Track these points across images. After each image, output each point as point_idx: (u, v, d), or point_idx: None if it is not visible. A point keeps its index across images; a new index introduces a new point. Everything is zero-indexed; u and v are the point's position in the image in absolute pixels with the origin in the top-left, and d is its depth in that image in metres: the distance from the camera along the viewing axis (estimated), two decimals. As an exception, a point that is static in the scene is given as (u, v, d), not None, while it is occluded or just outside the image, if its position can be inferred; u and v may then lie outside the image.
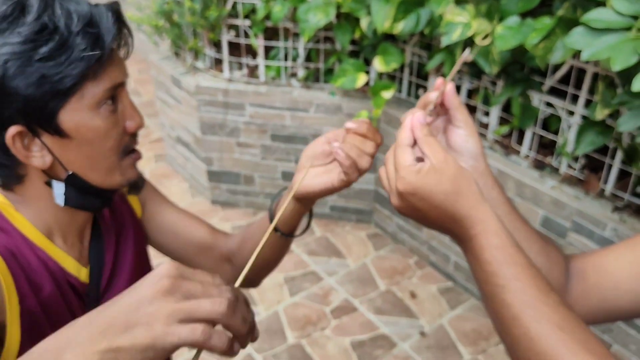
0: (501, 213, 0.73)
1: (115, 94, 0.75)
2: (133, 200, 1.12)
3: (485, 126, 2.09)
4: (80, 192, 0.80)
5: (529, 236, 0.75)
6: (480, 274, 0.63)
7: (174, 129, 2.95)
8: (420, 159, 0.65)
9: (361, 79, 2.20)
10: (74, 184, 0.79)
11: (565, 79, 1.78)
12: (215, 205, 2.84)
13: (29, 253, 0.80)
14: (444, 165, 0.63)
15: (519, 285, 0.59)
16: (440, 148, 0.65)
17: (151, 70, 2.96)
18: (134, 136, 0.80)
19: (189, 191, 2.97)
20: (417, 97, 2.29)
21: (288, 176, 2.64)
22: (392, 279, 2.36)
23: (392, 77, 2.35)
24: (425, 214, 0.65)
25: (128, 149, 0.80)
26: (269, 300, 2.28)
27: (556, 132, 1.87)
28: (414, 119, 0.68)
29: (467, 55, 0.71)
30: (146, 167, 3.20)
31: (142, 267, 1.09)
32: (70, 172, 0.77)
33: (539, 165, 1.93)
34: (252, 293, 2.30)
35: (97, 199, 0.84)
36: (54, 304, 0.81)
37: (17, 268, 0.76)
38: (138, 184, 0.86)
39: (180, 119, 2.81)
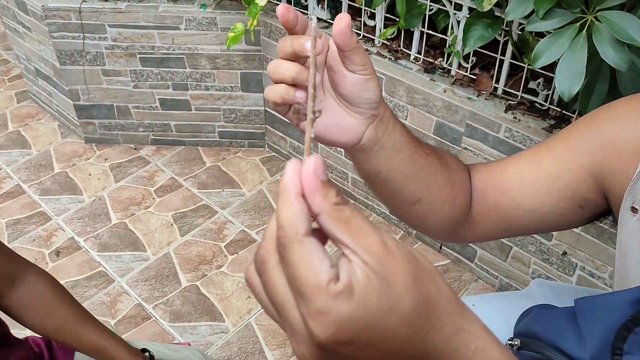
0: (404, 155, 0.61)
1: None
2: None
3: (371, 30, 1.90)
4: None
5: (434, 170, 0.65)
6: None
7: (30, 60, 2.55)
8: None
9: (232, -15, 1.93)
10: None
11: (450, -31, 1.61)
12: (90, 144, 2.53)
13: None
14: (390, 263, 0.32)
15: None
16: (369, 225, 0.33)
17: (-10, -7, 2.51)
18: None
19: (59, 131, 2.63)
20: (297, 3, 2.05)
21: (167, 104, 2.37)
22: (290, 205, 2.22)
23: (268, -18, 2.08)
24: None
25: None
26: (157, 242, 2.07)
27: (445, 31, 1.72)
28: (304, 175, 0.33)
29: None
30: (7, 107, 2.79)
31: None
32: None
33: (430, 69, 1.78)
34: (139, 236, 2.09)
35: None
36: None
37: None
38: None
39: (35, 49, 2.42)
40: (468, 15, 1.58)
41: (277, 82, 0.53)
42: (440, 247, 2.00)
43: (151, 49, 2.21)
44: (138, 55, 2.23)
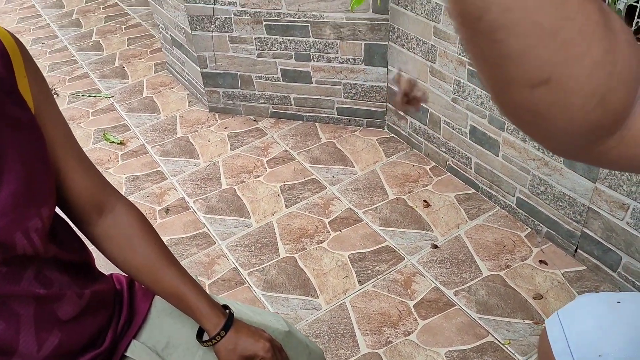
0: None
1: None
2: (24, 91, 0.88)
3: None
4: None
5: (592, 30, 0.35)
6: None
7: (167, 29, 2.65)
8: None
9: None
10: None
11: None
12: (213, 113, 2.56)
13: None
14: None
15: None
16: None
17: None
18: None
19: (187, 99, 2.69)
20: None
21: (288, 75, 2.31)
22: (404, 187, 2.04)
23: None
24: None
25: None
26: (262, 210, 2.01)
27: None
28: None
29: None
30: (145, 76, 2.94)
31: (35, 175, 0.87)
32: None
33: None
34: (245, 203, 2.05)
35: None
36: None
37: None
38: None
39: (171, 15, 2.50)
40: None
41: None
42: (576, 250, 1.71)
43: (277, 16, 2.16)
44: (264, 22, 2.20)
